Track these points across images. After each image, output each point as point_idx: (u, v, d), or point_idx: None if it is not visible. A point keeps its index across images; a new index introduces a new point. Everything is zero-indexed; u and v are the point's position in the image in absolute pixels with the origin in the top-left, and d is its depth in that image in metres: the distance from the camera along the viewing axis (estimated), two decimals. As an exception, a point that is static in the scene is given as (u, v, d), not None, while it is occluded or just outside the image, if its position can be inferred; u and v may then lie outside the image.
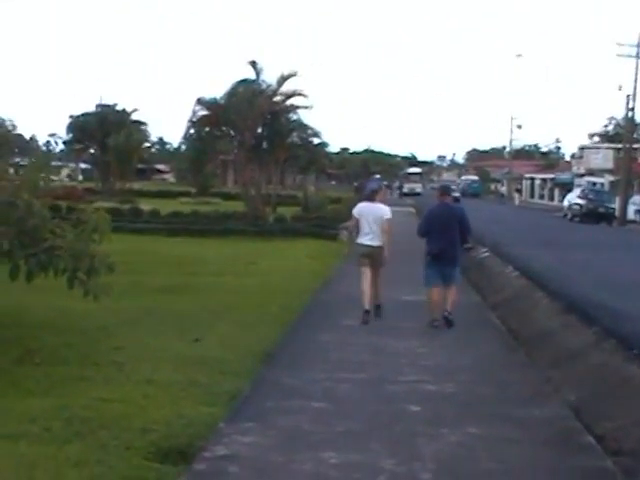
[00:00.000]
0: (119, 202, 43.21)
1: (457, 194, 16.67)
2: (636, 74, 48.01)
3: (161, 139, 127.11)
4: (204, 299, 14.64)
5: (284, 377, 9.26)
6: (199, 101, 37.06)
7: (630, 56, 48.03)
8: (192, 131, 40.47)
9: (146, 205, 39.39)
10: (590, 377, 10.01)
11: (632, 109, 48.62)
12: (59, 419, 7.23)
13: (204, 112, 37.39)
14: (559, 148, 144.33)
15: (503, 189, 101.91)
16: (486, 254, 24.82)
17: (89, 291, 9.69)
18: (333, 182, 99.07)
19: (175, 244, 26.71)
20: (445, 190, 14.93)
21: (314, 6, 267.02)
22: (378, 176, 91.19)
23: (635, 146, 67.41)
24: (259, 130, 37.80)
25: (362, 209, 13.79)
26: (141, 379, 8.83)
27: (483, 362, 10.54)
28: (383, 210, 13.69)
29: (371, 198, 13.93)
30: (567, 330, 12.58)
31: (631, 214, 50.31)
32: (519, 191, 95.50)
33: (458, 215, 13.82)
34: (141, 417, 7.42)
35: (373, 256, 13.57)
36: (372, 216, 13.54)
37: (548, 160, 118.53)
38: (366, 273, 13.59)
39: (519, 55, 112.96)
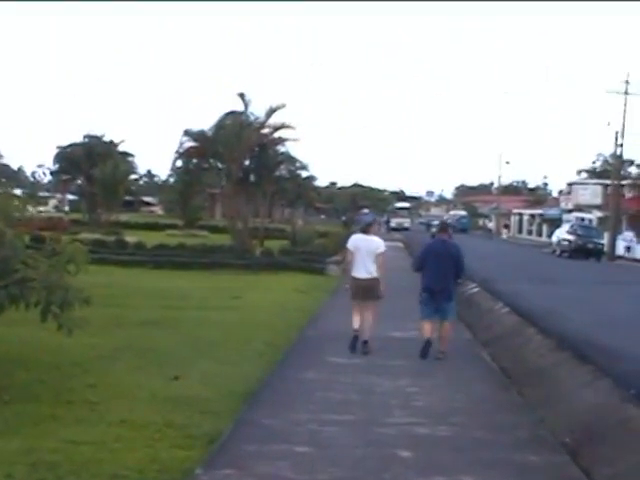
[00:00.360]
0: (105, 234, 42.79)
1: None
2: (625, 110, 48.05)
3: (149, 171, 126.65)
4: (186, 334, 14.14)
5: (266, 418, 8.74)
6: (186, 132, 36.73)
7: (619, 93, 48.09)
8: (179, 163, 40.17)
9: (132, 237, 38.98)
10: (586, 418, 9.58)
11: (621, 145, 48.61)
12: (24, 464, 6.78)
13: (191, 143, 37.02)
14: (546, 184, 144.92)
15: (490, 224, 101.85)
16: (475, 290, 24.46)
17: (62, 325, 9.21)
18: (323, 216, 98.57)
19: (160, 277, 26.22)
20: (445, 226, 15.21)
21: (303, 40, 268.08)
22: (367, 210, 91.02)
23: (623, 182, 67.58)
24: (247, 162, 37.41)
25: (357, 242, 13.75)
26: (115, 419, 8.35)
27: (476, 402, 10.06)
28: (377, 243, 13.71)
29: (366, 231, 13.93)
30: (560, 368, 12.18)
31: (620, 250, 50.17)
32: (507, 227, 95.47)
33: (454, 251, 13.95)
34: (112, 462, 6.96)
35: (368, 288, 13.48)
36: (366, 249, 13.51)
37: (536, 196, 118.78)
38: (356, 307, 13.73)
39: (506, 92, 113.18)
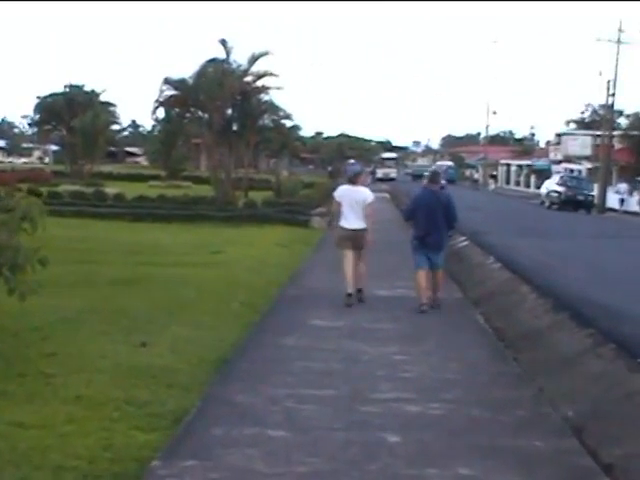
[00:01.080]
0: (86, 185, 41.84)
1: (443, 182, 16.39)
2: (617, 59, 46.96)
3: (134, 122, 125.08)
4: (160, 294, 13.22)
5: (239, 394, 7.84)
6: (166, 81, 35.53)
7: (611, 41, 46.94)
8: (161, 113, 39.07)
9: (115, 189, 38.07)
10: (590, 390, 8.78)
11: (612, 95, 47.49)
12: (-44, 453, 5.89)
13: (172, 92, 35.84)
14: (534, 135, 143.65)
15: (477, 175, 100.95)
16: (464, 243, 23.63)
17: (14, 289, 8.31)
18: (311, 166, 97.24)
19: (138, 230, 25.34)
20: (436, 176, 14.90)
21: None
22: (353, 160, 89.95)
23: (614, 133, 66.62)
24: (229, 111, 36.26)
25: (344, 192, 13.68)
26: (70, 395, 7.47)
27: (470, 373, 9.17)
28: (365, 194, 13.66)
29: (353, 181, 13.84)
30: (559, 331, 11.38)
31: (614, 202, 49.32)
32: (494, 177, 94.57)
33: (444, 201, 13.91)
34: (60, 449, 6.10)
35: (356, 239, 13.47)
36: (354, 199, 13.44)
37: (523, 147, 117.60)
38: (348, 256, 13.54)
39: (495, 41, 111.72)
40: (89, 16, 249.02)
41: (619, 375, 8.72)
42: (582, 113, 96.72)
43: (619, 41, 46.62)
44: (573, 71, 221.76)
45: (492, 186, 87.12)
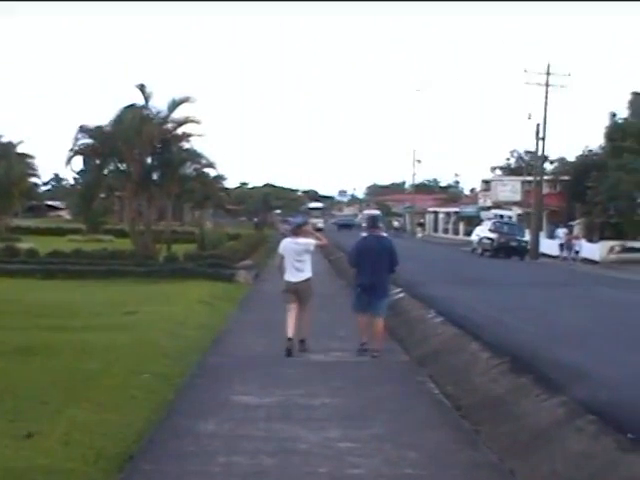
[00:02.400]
0: (0, 240, 39.46)
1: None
2: (546, 102, 46.32)
3: (57, 175, 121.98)
4: (60, 366, 11.23)
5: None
6: (82, 128, 33.51)
7: (540, 84, 46.33)
8: (79, 163, 37.02)
9: (27, 244, 35.86)
10: (577, 476, 7.23)
11: (542, 139, 46.75)
12: None
13: (87, 141, 33.86)
14: (458, 182, 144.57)
15: (396, 223, 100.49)
16: (400, 295, 22.16)
17: None
18: (243, 218, 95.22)
19: (48, 289, 23.23)
20: (374, 222, 15.18)
21: (208, 34, 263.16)
22: (279, 211, 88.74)
23: (545, 178, 66.35)
24: (149, 160, 34.40)
25: (287, 245, 13.74)
26: None
27: (435, 466, 7.42)
28: (307, 242, 13.76)
29: (296, 233, 13.85)
30: (523, 398, 9.84)
31: (548, 248, 48.32)
32: (422, 225, 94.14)
33: (388, 247, 13.89)
34: None
35: (299, 291, 13.55)
36: (296, 251, 13.58)
37: (450, 194, 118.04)
38: (292, 308, 13.50)
39: (418, 89, 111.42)
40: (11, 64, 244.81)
41: (609, 456, 7.23)
42: (507, 159, 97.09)
43: (547, 84, 46.06)
44: (497, 118, 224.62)
45: (420, 234, 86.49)
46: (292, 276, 13.55)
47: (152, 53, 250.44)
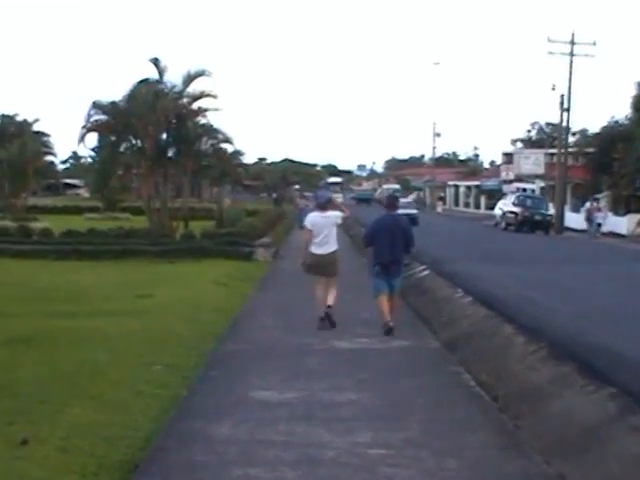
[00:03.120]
0: (17, 220, 38.78)
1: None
2: (570, 72, 44.99)
3: (75, 153, 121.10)
4: (64, 357, 10.40)
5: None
6: (95, 105, 32.60)
7: (564, 54, 44.96)
8: (94, 140, 36.23)
9: (42, 223, 35.19)
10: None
11: (567, 110, 45.43)
12: None
13: (101, 117, 32.97)
14: (477, 156, 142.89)
15: (411, 197, 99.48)
16: (425, 273, 21.31)
17: None
18: (263, 194, 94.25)
19: (61, 270, 22.51)
20: (393, 201, 14.97)
21: (228, 6, 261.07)
22: (298, 186, 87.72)
23: (553, 151, 64.82)
24: (164, 136, 33.49)
25: (315, 219, 13.86)
26: None
27: (477, 475, 6.56)
28: (335, 215, 14.03)
29: (324, 207, 14.00)
30: (566, 389, 8.95)
31: (580, 223, 46.98)
32: (442, 199, 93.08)
33: (403, 225, 14.18)
34: None
35: (327, 264, 13.72)
36: (325, 225, 13.72)
37: (470, 167, 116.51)
38: (320, 282, 13.82)
39: (436, 63, 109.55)
40: (23, 44, 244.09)
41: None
42: (529, 132, 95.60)
43: (572, 54, 44.69)
44: (517, 90, 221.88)
45: (440, 208, 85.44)
46: (320, 248, 13.67)
47: (167, 26, 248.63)
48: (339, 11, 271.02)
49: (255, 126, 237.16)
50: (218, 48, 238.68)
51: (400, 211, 40.93)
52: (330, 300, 13.59)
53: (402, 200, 51.27)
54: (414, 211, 46.80)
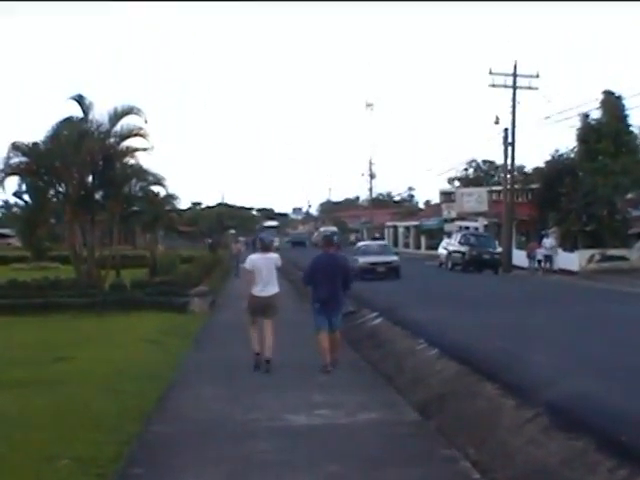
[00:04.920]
0: None
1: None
2: (514, 105, 43.56)
3: (6, 202, 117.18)
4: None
5: None
6: (14, 146, 30.05)
7: (506, 86, 43.57)
8: (15, 185, 33.52)
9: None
10: None
11: (511, 144, 43.94)
12: None
13: (21, 159, 30.42)
14: (412, 196, 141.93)
15: (352, 238, 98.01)
16: (378, 320, 19.40)
17: None
18: (209, 240, 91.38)
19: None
20: (329, 240, 15.44)
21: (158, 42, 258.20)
22: (233, 231, 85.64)
23: (496, 188, 63.68)
24: (90, 179, 31.05)
25: (256, 261, 13.89)
26: None
27: None
28: (275, 257, 14.10)
29: (268, 249, 14.22)
30: (589, 475, 7.03)
31: (525, 261, 45.45)
32: (377, 239, 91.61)
33: (342, 263, 14.56)
34: None
35: (268, 306, 13.78)
36: (266, 267, 13.79)
37: (407, 207, 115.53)
38: (256, 322, 13.87)
39: (369, 104, 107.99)
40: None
41: None
42: (466, 170, 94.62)
43: (515, 86, 43.32)
44: (451, 129, 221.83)
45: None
46: (263, 290, 13.69)
47: (92, 62, 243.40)
48: (273, 53, 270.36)
49: (189, 170, 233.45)
50: (147, 87, 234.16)
51: (374, 259, 36.69)
52: (268, 353, 13.58)
53: (375, 243, 46.44)
54: (393, 257, 38.68)
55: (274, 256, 14.09)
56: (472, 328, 16.60)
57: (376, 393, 11.55)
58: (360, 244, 46.20)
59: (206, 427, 9.35)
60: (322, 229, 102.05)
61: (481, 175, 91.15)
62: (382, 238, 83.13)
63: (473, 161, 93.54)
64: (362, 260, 36.91)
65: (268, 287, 13.72)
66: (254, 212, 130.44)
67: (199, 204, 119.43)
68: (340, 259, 14.66)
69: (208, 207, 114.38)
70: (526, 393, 9.67)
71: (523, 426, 8.74)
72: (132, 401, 10.62)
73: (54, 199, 32.36)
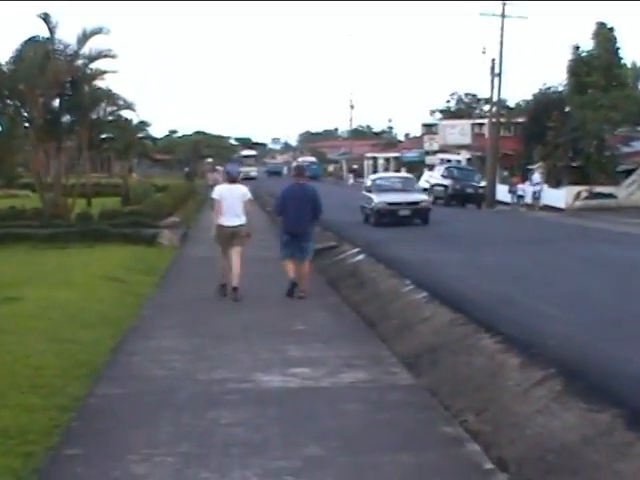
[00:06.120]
0: None
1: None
2: (502, 35, 42.01)
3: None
4: None
5: None
6: (-23, 68, 28.27)
7: (495, 15, 41.95)
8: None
9: None
10: None
11: (498, 75, 42.44)
12: None
13: (-18, 81, 28.58)
14: (391, 128, 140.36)
15: (331, 169, 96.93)
16: (360, 257, 18.16)
17: None
18: (186, 168, 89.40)
19: None
20: (301, 170, 15.77)
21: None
22: (211, 160, 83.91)
23: (480, 121, 62.30)
24: (56, 103, 29.26)
25: (223, 191, 14.20)
26: None
27: None
28: (244, 190, 14.32)
29: (234, 180, 14.49)
30: (619, 458, 5.76)
31: (505, 195, 44.34)
32: (354, 171, 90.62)
33: (311, 194, 14.53)
34: None
35: (235, 235, 13.97)
36: (233, 197, 14.01)
37: (387, 139, 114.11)
38: (226, 252, 14.06)
39: (350, 34, 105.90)
40: None
41: None
42: (447, 102, 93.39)
43: (503, 15, 41.75)
44: (432, 61, 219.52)
45: (351, 180, 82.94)
46: (229, 220, 13.92)
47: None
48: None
49: (166, 98, 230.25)
50: (120, 6, 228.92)
51: (396, 197, 27.63)
52: (235, 281, 13.79)
53: (395, 176, 37.84)
54: (421, 196, 29.77)
55: (242, 188, 14.33)
56: (463, 269, 15.46)
57: (360, 344, 10.21)
58: (374, 177, 36.03)
59: (163, 389, 7.91)
60: (301, 159, 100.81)
61: (463, 108, 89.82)
62: (337, 173, 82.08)
63: (455, 93, 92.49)
64: (378, 200, 27.78)
65: (234, 217, 13.92)
66: (232, 141, 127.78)
67: (175, 132, 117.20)
68: (309, 189, 14.68)
69: (185, 136, 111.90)
70: (532, 349, 8.41)
71: (531, 390, 7.47)
72: (82, 353, 9.13)
73: (26, 124, 30.64)
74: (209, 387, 8.04)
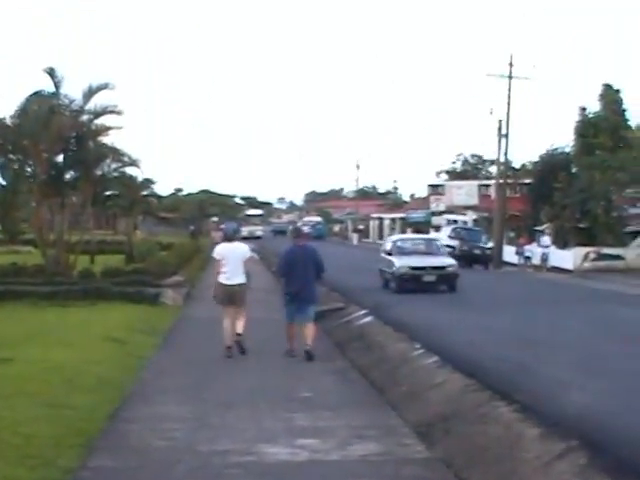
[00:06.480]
0: None
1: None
2: (509, 96, 41.90)
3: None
4: None
5: None
6: (-20, 122, 28.07)
7: (503, 76, 41.89)
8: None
9: None
10: None
11: (505, 136, 42.27)
12: None
13: (-12, 137, 28.34)
14: (397, 189, 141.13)
15: (336, 229, 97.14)
16: (367, 319, 17.75)
17: None
18: (191, 227, 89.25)
19: None
20: (299, 232, 15.78)
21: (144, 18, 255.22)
22: (216, 218, 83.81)
23: (486, 182, 62.27)
24: (60, 158, 28.99)
25: (223, 250, 14.23)
26: None
27: None
28: (244, 249, 14.47)
29: (230, 239, 14.49)
30: None
31: (513, 256, 43.87)
32: (360, 231, 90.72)
33: (312, 255, 14.38)
34: None
35: (235, 295, 13.99)
36: (233, 256, 14.06)
37: (393, 200, 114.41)
38: (228, 312, 14.02)
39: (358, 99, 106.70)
40: None
41: None
42: (453, 163, 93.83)
43: (510, 76, 41.71)
44: (439, 123, 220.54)
45: (355, 240, 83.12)
46: (229, 279, 14.00)
47: (71, 36, 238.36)
48: (265, 38, 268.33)
49: (172, 157, 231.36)
50: (127, 67, 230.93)
51: (419, 261, 25.01)
52: (239, 328, 13.97)
53: (418, 237, 35.13)
54: (448, 260, 27.06)
55: (243, 247, 14.50)
56: (474, 332, 15.03)
57: (369, 412, 9.74)
58: (394, 238, 32.85)
59: (161, 462, 7.38)
60: (306, 219, 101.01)
61: (468, 169, 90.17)
62: (343, 233, 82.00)
63: (461, 154, 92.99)
64: (400, 263, 25.36)
65: (234, 276, 13.97)
66: (238, 200, 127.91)
67: (181, 190, 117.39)
68: (310, 250, 14.52)
69: (190, 194, 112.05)
70: (550, 418, 7.93)
71: (553, 463, 6.98)
72: (76, 420, 8.59)
73: (31, 180, 30.37)
74: (210, 460, 7.50)
